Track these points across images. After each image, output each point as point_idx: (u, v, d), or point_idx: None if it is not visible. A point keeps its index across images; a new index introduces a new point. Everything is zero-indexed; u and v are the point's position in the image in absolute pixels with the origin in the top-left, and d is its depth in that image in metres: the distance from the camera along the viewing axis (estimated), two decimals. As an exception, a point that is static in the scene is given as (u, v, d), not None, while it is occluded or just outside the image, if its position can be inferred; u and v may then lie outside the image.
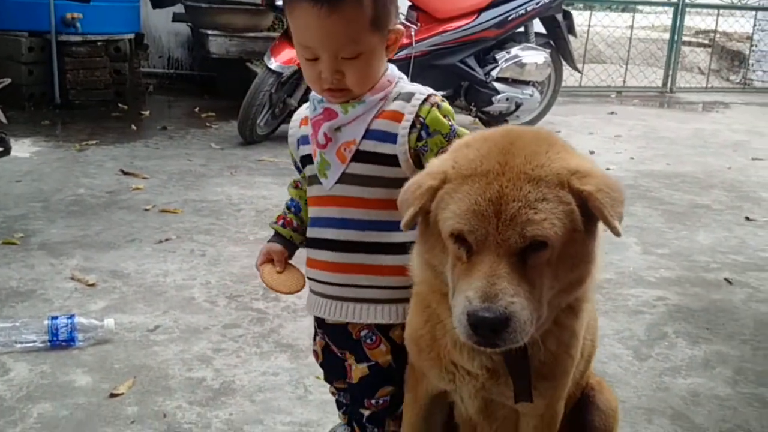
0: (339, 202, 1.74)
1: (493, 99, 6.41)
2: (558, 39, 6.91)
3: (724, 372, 2.83)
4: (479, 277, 1.33)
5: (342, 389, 1.96)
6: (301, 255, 1.93)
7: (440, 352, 1.60)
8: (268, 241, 1.96)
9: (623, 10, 10.89)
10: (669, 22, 10.08)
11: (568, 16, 7.00)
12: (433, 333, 1.60)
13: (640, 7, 10.63)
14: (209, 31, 7.39)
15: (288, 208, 1.96)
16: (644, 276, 3.73)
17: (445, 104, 1.73)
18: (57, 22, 6.70)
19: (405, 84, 1.76)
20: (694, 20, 11.04)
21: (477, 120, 6.59)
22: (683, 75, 10.44)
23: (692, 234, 4.39)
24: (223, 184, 4.91)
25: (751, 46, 10.95)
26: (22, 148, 5.39)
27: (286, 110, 6.06)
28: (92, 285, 3.33)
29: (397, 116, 1.70)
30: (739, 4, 10.16)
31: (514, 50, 6.53)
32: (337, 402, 2.02)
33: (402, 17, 5.82)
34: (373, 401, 1.83)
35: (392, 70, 1.77)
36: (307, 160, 1.81)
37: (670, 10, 9.98)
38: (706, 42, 11.43)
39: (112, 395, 2.50)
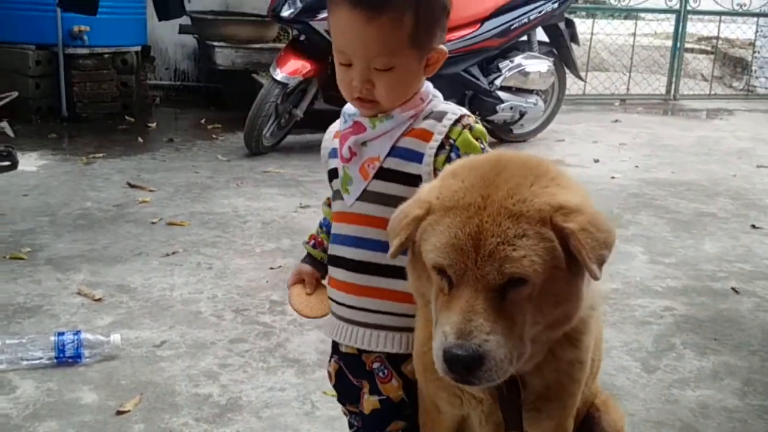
0: (358, 219, 1.71)
1: (497, 108, 6.42)
2: (561, 47, 6.92)
3: (732, 383, 2.83)
4: (456, 312, 1.31)
5: (354, 413, 1.92)
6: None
7: None
8: (301, 261, 1.94)
9: (625, 18, 10.89)
10: (671, 29, 10.08)
11: (570, 24, 7.02)
12: None
13: (642, 15, 10.63)
14: (215, 43, 7.43)
15: (321, 226, 1.93)
16: (651, 286, 3.73)
17: (478, 126, 1.68)
18: (64, 35, 6.73)
19: (438, 102, 1.72)
20: (696, 27, 11.03)
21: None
22: (686, 82, 10.42)
23: (698, 243, 4.38)
24: (230, 196, 4.92)
25: (754, 52, 10.94)
26: (29, 162, 5.41)
27: (292, 121, 6.08)
28: (99, 300, 3.34)
29: (426, 135, 1.65)
30: (740, 10, 10.15)
31: (518, 59, 6.54)
32: (349, 422, 2.00)
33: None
34: None
35: (427, 87, 1.73)
36: (333, 174, 1.78)
37: (672, 17, 9.97)
38: (709, 49, 11.42)
39: (119, 412, 2.50)
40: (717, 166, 6.30)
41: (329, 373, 1.96)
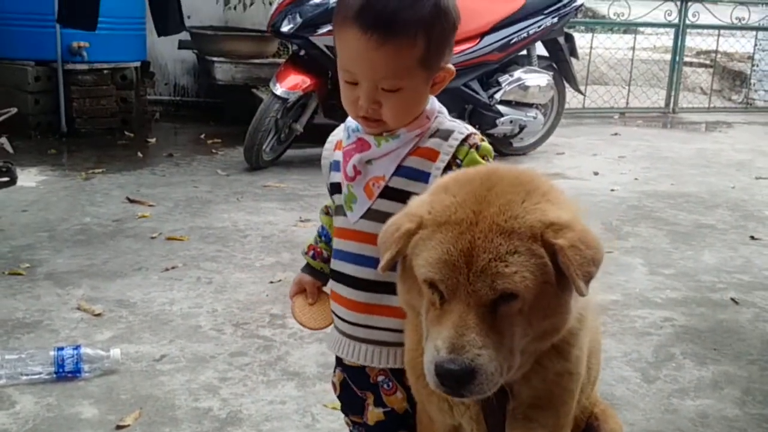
0: (361, 237, 1.70)
1: (497, 122, 6.44)
2: (560, 61, 6.95)
3: (732, 393, 2.82)
4: (448, 327, 1.32)
5: (358, 423, 1.91)
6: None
7: None
8: (301, 270, 1.95)
9: (624, 32, 10.93)
10: (670, 43, 10.11)
11: (569, 38, 7.04)
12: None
13: (641, 29, 10.67)
14: (215, 58, 7.46)
15: (319, 236, 1.93)
16: (650, 297, 3.73)
17: (485, 144, 1.68)
18: (63, 51, 6.75)
19: (444, 119, 1.70)
20: (695, 41, 11.07)
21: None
22: (685, 95, 10.45)
23: (698, 254, 4.38)
24: (230, 211, 4.93)
25: (752, 65, 10.97)
26: (28, 178, 5.42)
27: (292, 135, 6.10)
28: (98, 315, 3.34)
29: (432, 154, 1.65)
30: (739, 24, 10.19)
31: (517, 73, 6.57)
32: None
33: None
34: None
35: (432, 104, 1.71)
36: (336, 188, 1.76)
37: (671, 31, 10.01)
38: (708, 62, 11.45)
39: (119, 427, 2.49)
40: (716, 178, 6.31)
41: (333, 384, 1.95)
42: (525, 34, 6.49)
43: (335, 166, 1.77)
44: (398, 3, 1.57)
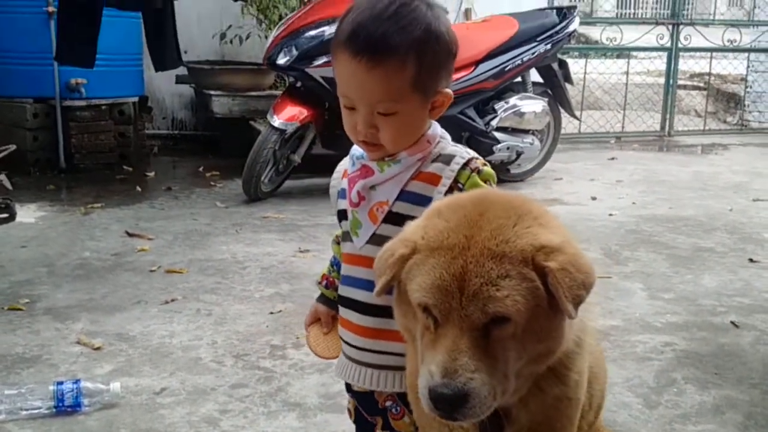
0: (368, 262, 1.69)
1: (494, 149, 6.47)
2: (555, 87, 6.99)
3: (734, 417, 2.81)
4: (442, 351, 1.34)
5: None
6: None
7: None
8: (316, 300, 1.97)
9: (618, 57, 11.00)
10: (663, 66, 10.19)
11: (563, 64, 7.10)
12: None
13: (634, 53, 10.74)
14: (212, 92, 7.52)
15: (332, 265, 1.95)
16: (651, 322, 3.72)
17: (487, 168, 1.70)
18: (61, 88, 6.80)
19: (446, 144, 1.73)
20: (688, 63, 11.14)
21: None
22: (681, 118, 10.50)
23: (697, 278, 4.38)
24: (229, 243, 4.94)
25: (746, 87, 11.05)
26: (27, 214, 5.44)
27: (290, 167, 6.12)
28: (98, 348, 3.33)
29: (434, 179, 1.67)
30: (731, 46, 10.27)
31: (513, 100, 6.62)
32: None
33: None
34: None
35: (434, 129, 1.73)
36: (342, 215, 1.79)
37: (664, 54, 10.09)
38: (701, 85, 11.53)
39: (120, 461, 2.49)
40: (713, 201, 6.32)
41: (348, 410, 1.98)
42: (519, 61, 6.54)
43: (342, 194, 1.80)
44: (387, 27, 1.60)
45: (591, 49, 11.12)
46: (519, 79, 6.77)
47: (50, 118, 6.89)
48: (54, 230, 5.16)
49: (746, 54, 10.72)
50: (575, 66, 8.88)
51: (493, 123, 6.50)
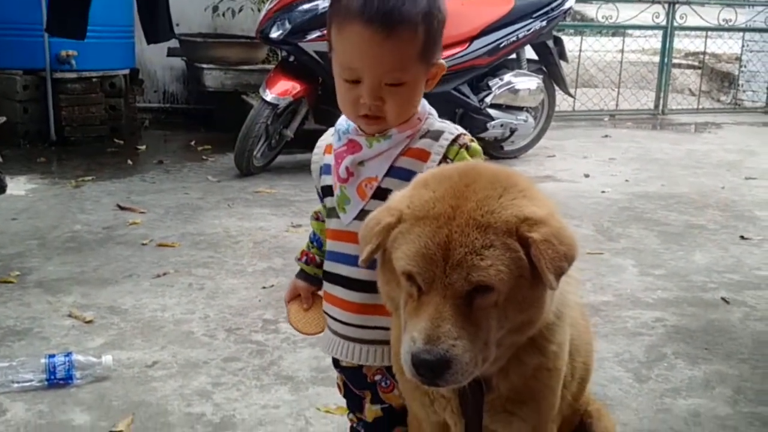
0: (355, 238, 1.67)
1: (488, 125, 6.46)
2: (550, 65, 6.97)
3: (724, 392, 2.83)
4: (425, 318, 1.35)
5: (360, 421, 1.93)
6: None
7: None
8: (296, 276, 1.96)
9: (613, 35, 10.96)
10: (658, 45, 10.17)
11: (558, 42, 7.07)
12: None
13: (629, 32, 10.71)
14: (204, 65, 7.46)
15: (311, 242, 1.94)
16: (642, 297, 3.74)
17: (474, 144, 1.70)
18: (52, 60, 6.74)
19: (434, 121, 1.73)
20: (683, 42, 11.12)
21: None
22: (674, 97, 10.51)
23: (688, 254, 4.40)
24: (221, 217, 4.92)
25: (740, 66, 11.04)
26: (17, 186, 5.40)
27: (283, 141, 6.10)
28: (90, 322, 3.32)
29: (423, 155, 1.67)
30: (726, 26, 10.25)
31: (507, 77, 6.59)
32: (353, 429, 1.99)
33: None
34: None
35: (423, 106, 1.74)
36: (327, 191, 1.78)
37: (660, 33, 10.07)
38: (696, 64, 11.52)
39: (111, 433, 2.49)
40: (706, 179, 6.34)
41: (338, 385, 1.98)
42: (514, 38, 6.50)
43: (325, 169, 1.78)
44: None
45: (586, 26, 11.09)
46: (514, 55, 6.74)
47: (40, 90, 6.83)
48: (45, 203, 5.13)
49: (741, 33, 10.71)
50: (570, 43, 8.84)
51: (487, 100, 6.48)
